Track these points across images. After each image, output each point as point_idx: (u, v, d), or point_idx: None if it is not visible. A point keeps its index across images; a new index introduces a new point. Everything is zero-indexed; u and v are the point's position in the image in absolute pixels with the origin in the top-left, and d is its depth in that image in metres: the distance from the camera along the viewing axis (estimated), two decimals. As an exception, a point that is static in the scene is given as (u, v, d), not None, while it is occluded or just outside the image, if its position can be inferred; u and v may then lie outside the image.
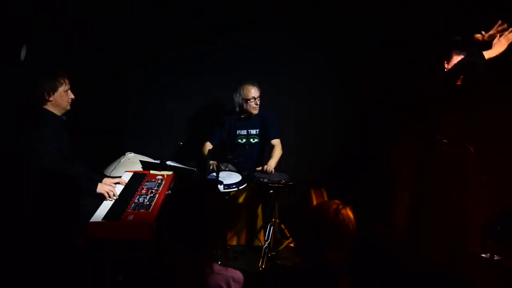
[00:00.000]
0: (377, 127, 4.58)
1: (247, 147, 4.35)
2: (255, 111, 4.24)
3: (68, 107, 3.27)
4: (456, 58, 3.57)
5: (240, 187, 3.86)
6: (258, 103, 4.20)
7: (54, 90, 3.18)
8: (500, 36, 3.41)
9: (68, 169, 3.16)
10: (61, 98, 3.21)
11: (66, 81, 3.23)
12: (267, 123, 4.33)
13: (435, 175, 3.69)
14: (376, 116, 4.58)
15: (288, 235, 4.14)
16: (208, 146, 4.25)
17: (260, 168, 4.10)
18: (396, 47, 4.32)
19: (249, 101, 4.17)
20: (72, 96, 3.26)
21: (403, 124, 4.33)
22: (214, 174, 3.74)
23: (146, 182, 3.40)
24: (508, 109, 3.99)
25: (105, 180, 3.31)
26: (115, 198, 3.15)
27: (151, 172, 3.56)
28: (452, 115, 3.66)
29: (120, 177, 3.48)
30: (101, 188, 3.16)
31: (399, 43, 4.31)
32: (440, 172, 3.67)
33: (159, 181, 3.41)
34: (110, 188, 3.19)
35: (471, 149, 3.62)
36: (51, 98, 3.18)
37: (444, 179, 3.65)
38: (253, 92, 4.16)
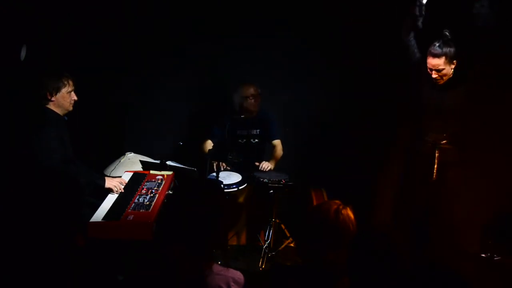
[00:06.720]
0: (377, 127, 4.57)
1: (247, 147, 4.35)
2: (254, 108, 4.25)
3: (70, 108, 3.28)
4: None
5: (240, 187, 3.87)
6: (258, 101, 4.23)
7: (57, 90, 3.18)
8: None
9: (71, 169, 3.17)
10: (63, 99, 3.21)
11: (70, 82, 3.23)
12: (268, 124, 4.34)
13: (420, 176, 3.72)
14: (376, 116, 4.57)
15: (288, 235, 4.14)
16: (209, 143, 4.25)
17: (258, 163, 4.12)
18: (394, 46, 4.32)
19: (248, 99, 4.18)
20: (75, 98, 3.27)
21: (399, 124, 4.32)
22: (214, 174, 3.75)
23: (146, 182, 3.40)
24: (505, 108, 3.98)
25: (106, 179, 3.33)
26: (121, 191, 3.26)
27: (151, 172, 3.56)
28: (437, 116, 3.67)
29: (120, 177, 3.49)
30: (109, 183, 3.26)
31: (396, 43, 4.30)
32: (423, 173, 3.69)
33: (159, 181, 3.41)
34: (117, 182, 3.28)
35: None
36: (53, 98, 3.18)
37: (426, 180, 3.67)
38: (251, 89, 4.19)
